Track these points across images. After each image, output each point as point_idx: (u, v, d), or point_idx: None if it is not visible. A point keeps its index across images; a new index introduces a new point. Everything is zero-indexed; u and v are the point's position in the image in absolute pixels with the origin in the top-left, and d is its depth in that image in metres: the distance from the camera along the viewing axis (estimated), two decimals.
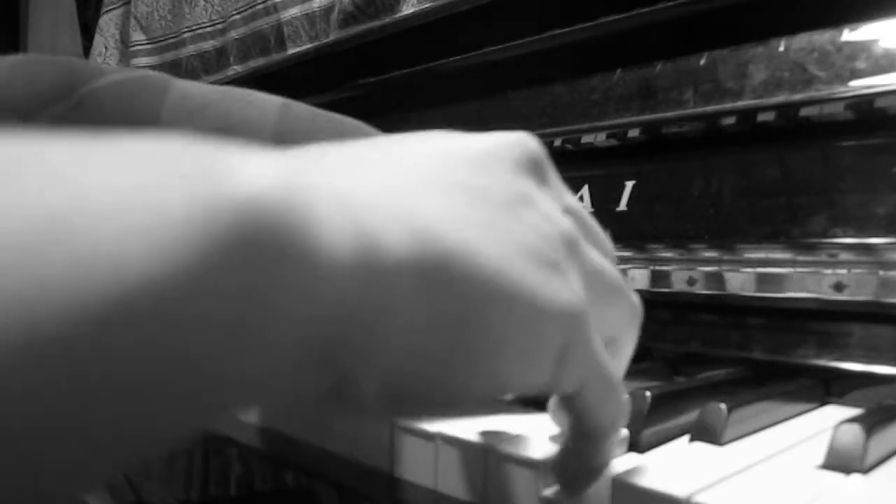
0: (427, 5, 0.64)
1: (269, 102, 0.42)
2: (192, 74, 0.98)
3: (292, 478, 0.37)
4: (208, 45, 0.96)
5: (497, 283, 0.19)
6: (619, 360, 0.28)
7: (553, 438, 0.30)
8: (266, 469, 0.39)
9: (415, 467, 0.33)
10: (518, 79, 0.59)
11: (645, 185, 0.49)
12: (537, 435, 0.31)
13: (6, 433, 0.11)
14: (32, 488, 0.12)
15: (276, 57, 0.85)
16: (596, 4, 0.53)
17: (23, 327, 0.11)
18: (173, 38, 1.01)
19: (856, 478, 0.27)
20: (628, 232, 0.49)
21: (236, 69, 0.91)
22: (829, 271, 0.40)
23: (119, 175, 0.13)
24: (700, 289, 0.45)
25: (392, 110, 0.66)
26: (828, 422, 0.34)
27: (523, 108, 0.57)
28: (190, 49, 0.98)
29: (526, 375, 0.21)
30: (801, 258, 0.42)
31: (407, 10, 0.66)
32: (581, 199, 0.51)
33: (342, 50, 0.74)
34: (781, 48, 0.43)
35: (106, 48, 1.14)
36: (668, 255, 0.47)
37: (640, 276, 0.47)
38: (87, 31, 1.32)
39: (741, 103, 0.44)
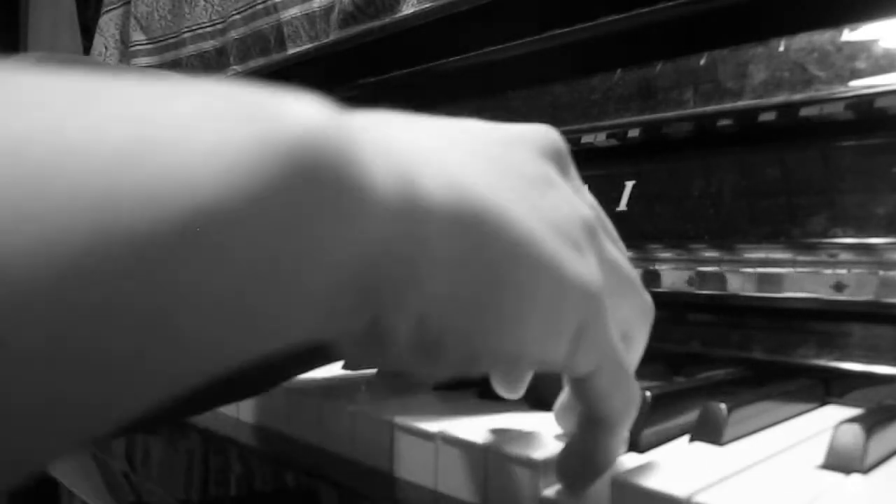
0: (427, 5, 0.64)
1: None
2: (193, 74, 0.98)
3: (292, 478, 0.37)
4: (208, 45, 0.96)
5: (526, 246, 0.20)
6: (631, 355, 0.28)
7: (557, 437, 0.30)
8: (266, 469, 0.39)
9: (415, 467, 0.33)
10: (518, 79, 0.59)
11: (645, 185, 0.49)
12: (538, 435, 0.31)
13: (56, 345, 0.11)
14: (66, 425, 0.12)
15: (276, 57, 0.85)
16: (596, 4, 0.53)
17: (100, 242, 0.11)
18: (173, 38, 1.01)
19: (856, 478, 0.27)
20: (628, 232, 0.48)
21: (236, 69, 0.91)
22: (829, 271, 0.40)
23: (182, 105, 0.14)
24: (700, 289, 0.45)
25: (392, 110, 0.65)
26: (828, 422, 0.34)
27: (523, 108, 0.57)
28: (190, 49, 0.98)
29: (546, 347, 0.22)
30: (801, 258, 0.42)
31: (407, 10, 0.66)
32: None
33: (342, 50, 0.74)
34: (781, 48, 0.43)
35: (106, 48, 1.14)
36: (668, 255, 0.47)
37: (640, 277, 0.47)
38: (87, 31, 1.31)
39: (741, 103, 0.44)
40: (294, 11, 0.82)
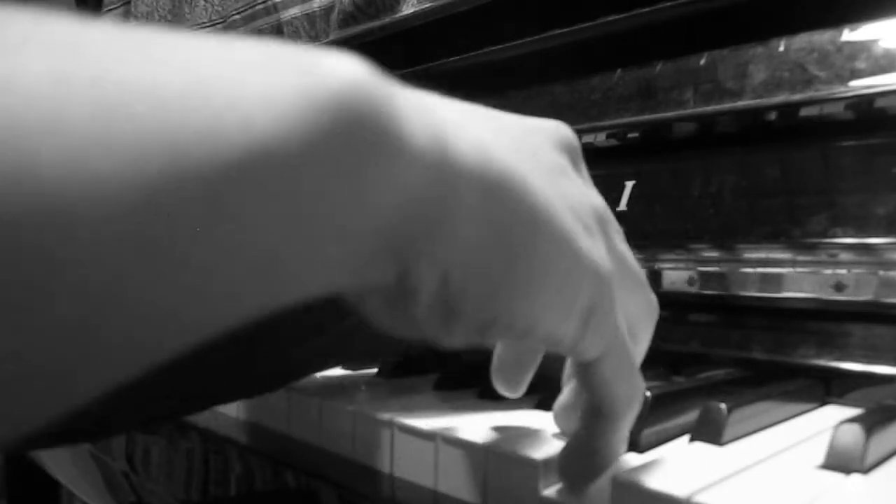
0: (427, 5, 0.64)
1: None
2: None
3: (292, 478, 0.37)
4: None
5: (545, 217, 0.21)
6: (636, 350, 0.28)
7: (558, 437, 0.30)
8: (266, 469, 0.39)
9: (415, 467, 0.33)
10: (518, 79, 0.59)
11: (645, 185, 0.49)
12: (538, 435, 0.31)
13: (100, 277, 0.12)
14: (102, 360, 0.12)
15: None
16: (596, 4, 0.53)
17: (174, 174, 0.12)
18: None
19: (856, 478, 0.27)
20: (628, 232, 0.48)
21: None
22: (829, 271, 0.40)
23: (236, 55, 0.15)
24: (700, 289, 0.45)
25: None
26: (828, 422, 0.34)
27: (524, 107, 0.57)
28: None
29: (556, 322, 0.22)
30: (801, 258, 0.42)
31: (407, 10, 0.66)
32: None
33: (342, 50, 0.74)
34: (781, 48, 0.43)
35: None
36: (668, 254, 0.47)
37: None
38: None
39: (741, 103, 0.44)
40: (294, 11, 0.82)
